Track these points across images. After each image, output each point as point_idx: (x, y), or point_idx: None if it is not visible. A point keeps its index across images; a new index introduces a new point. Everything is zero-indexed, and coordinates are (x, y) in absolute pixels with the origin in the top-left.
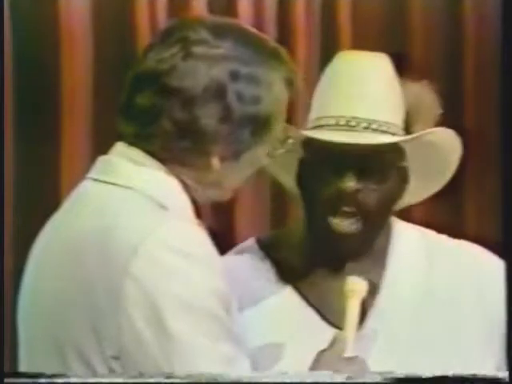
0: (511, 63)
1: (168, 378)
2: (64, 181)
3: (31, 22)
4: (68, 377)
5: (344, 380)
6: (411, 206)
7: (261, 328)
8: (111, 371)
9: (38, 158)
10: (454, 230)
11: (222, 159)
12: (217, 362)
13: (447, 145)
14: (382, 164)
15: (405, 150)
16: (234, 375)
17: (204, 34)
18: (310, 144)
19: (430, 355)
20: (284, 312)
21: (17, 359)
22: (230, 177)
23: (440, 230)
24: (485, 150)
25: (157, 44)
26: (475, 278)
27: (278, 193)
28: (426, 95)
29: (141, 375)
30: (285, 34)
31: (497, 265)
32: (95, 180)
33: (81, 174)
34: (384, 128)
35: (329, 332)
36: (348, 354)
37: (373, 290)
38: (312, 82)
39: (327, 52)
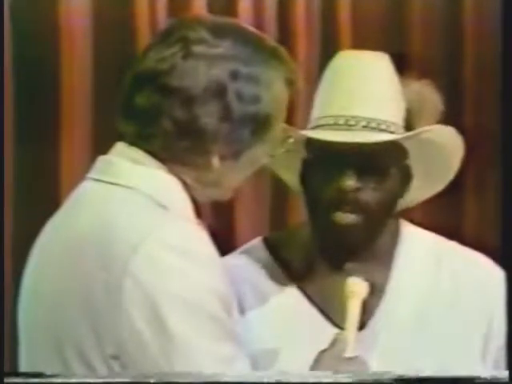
0: (511, 63)
1: (167, 377)
2: (64, 181)
3: (31, 22)
4: (68, 377)
5: (344, 380)
6: (410, 208)
7: (266, 327)
8: (111, 371)
9: (37, 158)
10: (454, 232)
11: (222, 158)
12: (216, 361)
13: (448, 143)
14: (382, 162)
15: (407, 148)
16: (233, 375)
17: (204, 34)
18: (311, 144)
19: (431, 357)
20: (289, 311)
21: (17, 359)
22: (229, 176)
23: (439, 232)
24: (485, 150)
25: (156, 44)
26: (482, 287)
27: (278, 193)
28: (428, 94)
29: (140, 375)
30: (285, 34)
31: (498, 273)
32: (95, 180)
33: (81, 175)
34: (383, 126)
35: (332, 332)
36: (348, 354)
37: (377, 291)
38: (312, 82)
39: (327, 52)
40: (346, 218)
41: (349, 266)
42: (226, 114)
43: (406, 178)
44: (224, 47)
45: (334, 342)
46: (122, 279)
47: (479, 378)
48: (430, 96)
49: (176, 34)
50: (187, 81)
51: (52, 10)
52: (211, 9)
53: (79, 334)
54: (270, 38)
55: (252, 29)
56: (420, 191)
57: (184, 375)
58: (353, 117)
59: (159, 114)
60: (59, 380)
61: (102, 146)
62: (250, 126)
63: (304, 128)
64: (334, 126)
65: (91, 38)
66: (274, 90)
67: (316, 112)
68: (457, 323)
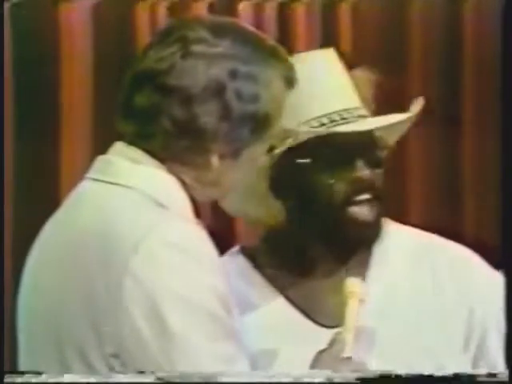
0: (511, 63)
1: (167, 375)
2: (64, 180)
3: (31, 22)
4: (68, 375)
5: (342, 380)
6: (410, 209)
7: (250, 333)
8: (111, 369)
9: (38, 156)
10: (453, 233)
11: (222, 158)
12: (216, 360)
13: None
14: (378, 148)
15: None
16: (233, 374)
17: (203, 33)
18: (306, 145)
19: (416, 351)
20: (272, 316)
21: (16, 358)
22: (229, 175)
23: (439, 233)
24: (485, 149)
25: (156, 43)
26: (462, 280)
27: None
28: (364, 79)
29: (140, 373)
30: (285, 35)
31: (484, 268)
32: (94, 180)
33: (81, 174)
34: (365, 113)
35: (317, 332)
36: (347, 354)
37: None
38: None
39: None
40: (365, 214)
41: (350, 257)
42: (226, 113)
43: (384, 150)
44: (223, 46)
45: (332, 342)
46: (122, 278)
47: (480, 376)
48: (363, 83)
49: (175, 34)
50: (186, 80)
51: (52, 10)
52: (212, 9)
53: (79, 333)
54: (270, 38)
55: (251, 28)
56: None
57: (183, 373)
58: (344, 110)
59: (158, 114)
60: (59, 378)
61: (102, 145)
62: (250, 125)
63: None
64: (333, 123)
65: (91, 38)
66: (273, 89)
67: (296, 119)
68: (438, 316)
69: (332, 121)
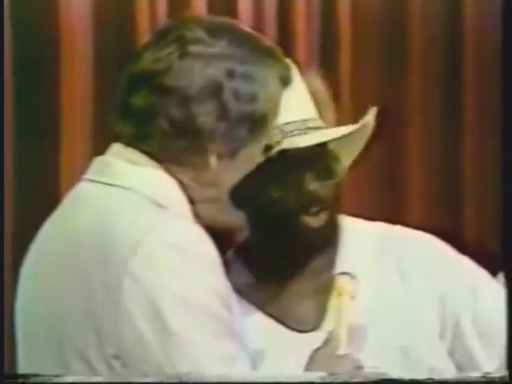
0: (511, 63)
1: (169, 376)
2: (64, 181)
3: (31, 21)
4: (68, 377)
5: (340, 380)
6: (408, 211)
7: None
8: (112, 370)
9: (37, 157)
10: (453, 234)
11: (219, 157)
12: (218, 360)
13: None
14: (331, 159)
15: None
16: (234, 374)
17: (200, 33)
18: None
19: (393, 344)
20: (248, 329)
21: (16, 360)
22: (226, 175)
23: (438, 235)
24: (485, 150)
25: (153, 44)
26: (428, 267)
27: None
28: (316, 83)
29: (141, 374)
30: (285, 35)
31: (449, 252)
32: (92, 181)
33: (81, 174)
34: (318, 123)
35: (293, 338)
36: (342, 351)
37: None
38: None
39: (327, 53)
40: (318, 220)
41: (308, 263)
42: (223, 113)
43: (338, 160)
44: (220, 46)
45: (326, 341)
46: (121, 279)
47: (479, 377)
48: (319, 86)
49: (172, 34)
50: (184, 80)
51: (52, 10)
52: (211, 9)
53: (79, 334)
54: (269, 38)
55: (247, 28)
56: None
57: (184, 374)
58: (293, 122)
59: (156, 114)
60: (59, 380)
61: (101, 146)
62: (247, 125)
63: None
64: (289, 134)
65: (91, 38)
66: (269, 89)
67: None
68: (410, 308)
69: (285, 133)
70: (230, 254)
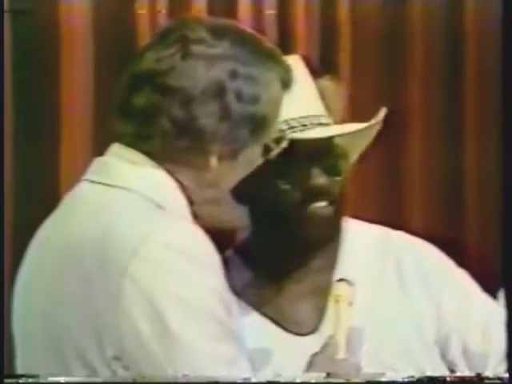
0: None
1: (169, 378)
2: (64, 181)
3: (31, 22)
4: (68, 378)
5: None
6: (411, 217)
7: None
8: (112, 372)
9: (37, 158)
10: (454, 237)
11: (220, 158)
12: (218, 362)
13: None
14: (338, 156)
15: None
16: (233, 375)
17: (202, 34)
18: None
19: (390, 347)
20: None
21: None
22: (227, 176)
23: (439, 239)
24: (485, 152)
25: (154, 44)
26: (425, 274)
27: None
28: (332, 88)
29: (141, 375)
30: (285, 35)
31: (442, 257)
32: (92, 181)
33: (80, 175)
34: (327, 120)
35: (289, 340)
36: (340, 356)
37: (323, 291)
38: None
39: (327, 53)
40: (325, 209)
41: (310, 259)
42: (225, 114)
43: (345, 158)
44: (222, 47)
45: (325, 346)
46: (122, 281)
47: (479, 378)
48: (335, 90)
49: (174, 35)
50: (186, 81)
51: (52, 9)
52: (211, 10)
53: (79, 336)
54: (269, 39)
55: (249, 30)
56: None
57: (184, 375)
58: (303, 117)
59: (157, 114)
60: (59, 380)
61: (101, 147)
62: (249, 126)
63: None
64: (292, 129)
65: (91, 38)
66: (271, 91)
67: None
68: (406, 312)
69: (291, 127)
70: (229, 252)
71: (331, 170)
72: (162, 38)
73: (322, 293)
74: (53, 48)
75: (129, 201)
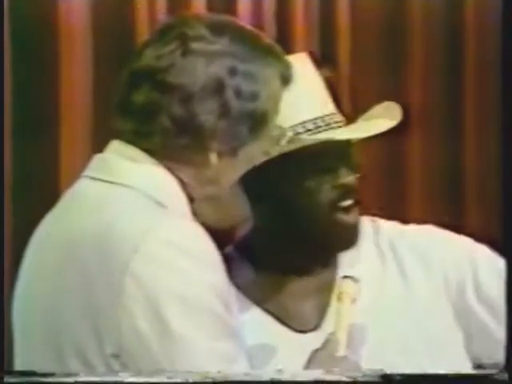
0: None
1: (168, 375)
2: (63, 179)
3: (31, 20)
4: (67, 375)
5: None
6: (410, 207)
7: None
8: (111, 369)
9: (37, 156)
10: (455, 231)
11: (220, 155)
12: (218, 359)
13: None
14: (353, 150)
15: None
16: (233, 373)
17: (202, 31)
18: (290, 152)
19: (394, 344)
20: (247, 327)
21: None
22: (226, 173)
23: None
24: (486, 150)
25: (154, 41)
26: (423, 254)
27: None
28: (332, 78)
29: (141, 373)
30: (284, 34)
31: (446, 235)
32: (91, 178)
33: (80, 172)
34: (341, 118)
35: (291, 337)
36: (341, 353)
37: (326, 289)
38: None
39: (326, 52)
40: (352, 218)
41: (330, 259)
42: (225, 111)
43: (358, 155)
44: (221, 44)
45: (326, 343)
46: (122, 278)
47: (479, 377)
48: (336, 80)
49: (174, 32)
50: (186, 78)
51: (51, 8)
52: (210, 8)
53: (79, 333)
54: (269, 37)
55: (247, 26)
56: None
57: (184, 373)
58: (325, 116)
59: (157, 112)
60: (58, 379)
61: (101, 144)
62: (248, 123)
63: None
64: (318, 129)
65: (91, 36)
66: (271, 87)
67: (280, 123)
68: (413, 308)
69: (317, 126)
70: (229, 249)
71: (353, 168)
72: (162, 35)
73: (326, 290)
74: (52, 46)
75: (129, 198)
